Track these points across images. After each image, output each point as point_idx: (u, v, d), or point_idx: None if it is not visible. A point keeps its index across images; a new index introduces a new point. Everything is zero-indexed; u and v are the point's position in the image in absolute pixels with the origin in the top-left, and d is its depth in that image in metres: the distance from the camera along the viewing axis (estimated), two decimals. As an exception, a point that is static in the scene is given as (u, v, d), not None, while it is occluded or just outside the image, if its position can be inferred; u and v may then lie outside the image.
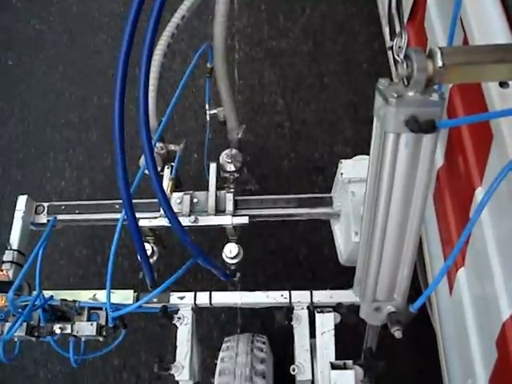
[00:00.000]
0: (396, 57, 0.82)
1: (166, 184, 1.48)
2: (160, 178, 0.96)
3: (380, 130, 0.80)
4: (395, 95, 0.75)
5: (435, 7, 1.31)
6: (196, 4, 1.45)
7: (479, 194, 1.09)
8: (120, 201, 1.51)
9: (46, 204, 1.58)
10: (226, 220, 1.45)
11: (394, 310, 0.94)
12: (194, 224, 1.44)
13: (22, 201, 1.55)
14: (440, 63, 0.74)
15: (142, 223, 1.44)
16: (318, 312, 1.24)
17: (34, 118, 2.55)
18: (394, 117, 0.75)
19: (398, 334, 0.91)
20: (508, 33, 1.02)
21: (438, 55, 0.75)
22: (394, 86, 0.78)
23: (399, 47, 0.81)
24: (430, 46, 1.38)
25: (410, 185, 0.82)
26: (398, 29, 0.99)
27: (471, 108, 1.14)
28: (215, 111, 1.66)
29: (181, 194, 1.48)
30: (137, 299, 1.38)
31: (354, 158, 1.37)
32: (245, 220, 1.44)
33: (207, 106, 1.68)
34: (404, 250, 0.89)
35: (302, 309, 1.32)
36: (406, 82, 0.76)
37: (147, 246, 1.44)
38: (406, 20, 1.50)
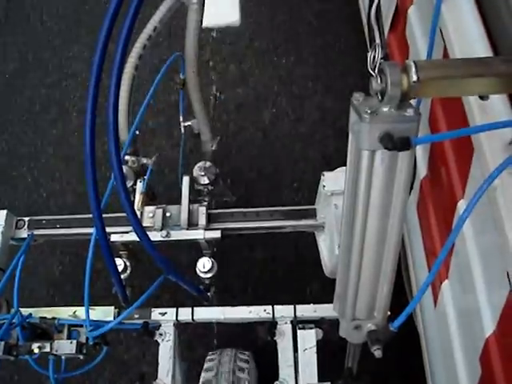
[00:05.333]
0: (370, 71, 0.81)
1: (138, 198, 1.46)
2: (128, 192, 0.93)
3: (355, 146, 0.79)
4: (369, 111, 0.73)
5: (416, 17, 1.30)
6: (168, 15, 1.43)
7: (461, 206, 1.07)
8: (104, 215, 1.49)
9: (26, 218, 1.55)
10: (198, 234, 1.43)
11: (374, 329, 0.92)
12: (166, 239, 1.42)
13: (1, 215, 1.52)
14: (415, 77, 0.72)
15: (113, 238, 1.42)
16: (299, 328, 1.22)
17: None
18: (368, 133, 0.73)
19: (377, 354, 0.88)
20: (486, 42, 1.01)
21: (413, 69, 0.73)
22: (368, 101, 0.76)
23: (373, 61, 0.80)
24: (412, 56, 1.38)
25: (387, 201, 0.80)
26: (377, 40, 0.98)
27: (451, 119, 1.12)
28: (189, 123, 1.64)
29: (153, 207, 1.46)
30: (118, 315, 1.35)
31: (337, 169, 1.36)
32: (217, 234, 1.41)
33: (181, 118, 1.66)
34: (383, 267, 0.87)
35: (286, 323, 1.30)
36: (380, 97, 0.75)
37: (119, 262, 1.41)
38: (387, 30, 1.49)
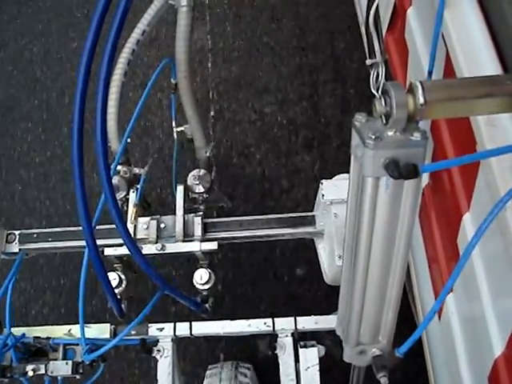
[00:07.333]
0: (374, 91, 0.76)
1: (131, 210, 1.41)
2: (120, 211, 0.88)
3: (358, 171, 0.74)
4: (373, 136, 0.68)
5: (415, 19, 1.24)
6: (156, 18, 1.38)
7: (467, 221, 1.03)
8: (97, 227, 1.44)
9: (17, 232, 1.50)
10: (194, 246, 1.38)
11: (379, 353, 0.89)
12: (161, 252, 1.37)
13: (-9, 229, 1.47)
14: (422, 100, 0.68)
15: (107, 252, 1.37)
16: (301, 347, 1.18)
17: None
18: (372, 160, 0.69)
19: (384, 381, 0.85)
20: (492, 50, 0.96)
21: (419, 91, 0.68)
22: (371, 123, 0.71)
23: (376, 81, 0.75)
24: (411, 60, 1.33)
25: (392, 228, 0.76)
26: (378, 58, 0.92)
27: (456, 132, 1.08)
28: (182, 128, 1.60)
29: (147, 218, 1.41)
30: (114, 332, 1.32)
31: (335, 177, 1.32)
32: (213, 246, 1.37)
33: (174, 124, 1.61)
34: (388, 292, 0.84)
35: (287, 336, 1.26)
36: (384, 120, 0.70)
37: (113, 276, 1.36)
38: (384, 30, 1.43)
